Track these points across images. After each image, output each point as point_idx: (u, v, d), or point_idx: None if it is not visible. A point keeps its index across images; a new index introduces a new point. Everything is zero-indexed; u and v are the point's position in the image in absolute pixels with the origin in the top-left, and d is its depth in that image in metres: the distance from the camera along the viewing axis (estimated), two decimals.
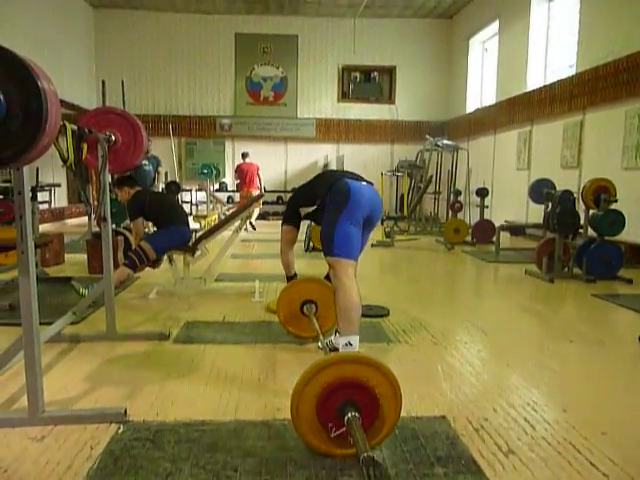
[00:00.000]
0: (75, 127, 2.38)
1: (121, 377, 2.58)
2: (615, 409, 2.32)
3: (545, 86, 8.64)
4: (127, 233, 5.28)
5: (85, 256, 5.38)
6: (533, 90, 8.95)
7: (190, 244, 4.40)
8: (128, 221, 4.75)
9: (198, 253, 4.47)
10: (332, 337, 2.94)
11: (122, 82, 8.21)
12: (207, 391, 2.41)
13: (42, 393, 2.03)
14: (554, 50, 8.87)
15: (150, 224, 4.67)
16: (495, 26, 10.56)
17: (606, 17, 7.05)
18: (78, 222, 10.66)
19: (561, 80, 8.11)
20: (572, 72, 7.86)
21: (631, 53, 6.39)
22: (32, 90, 1.60)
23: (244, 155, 10.26)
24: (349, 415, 1.71)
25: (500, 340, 3.36)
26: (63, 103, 9.72)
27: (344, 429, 1.72)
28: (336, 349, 2.71)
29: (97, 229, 5.69)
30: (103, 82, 7.28)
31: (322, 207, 2.71)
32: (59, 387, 2.40)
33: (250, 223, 9.45)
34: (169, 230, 4.28)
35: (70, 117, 9.52)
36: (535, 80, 9.07)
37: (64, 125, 2.19)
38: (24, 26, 8.95)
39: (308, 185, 3.00)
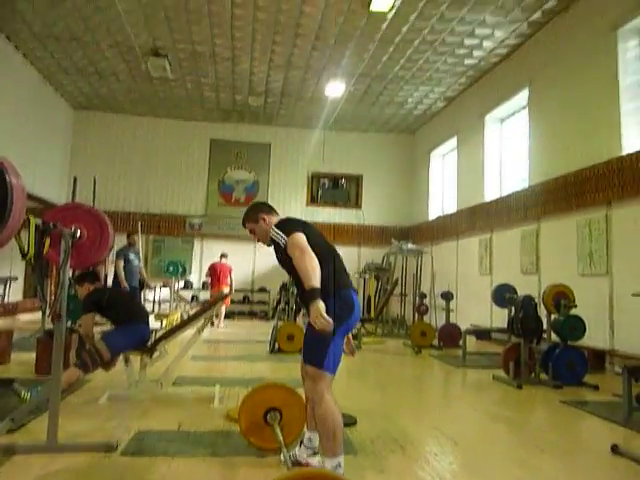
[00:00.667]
0: (40, 222, 2.35)
1: None
2: None
3: (502, 197, 9.22)
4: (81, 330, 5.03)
5: (34, 355, 5.05)
6: (491, 201, 9.51)
7: (149, 344, 4.20)
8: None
9: (156, 354, 4.26)
10: (296, 449, 2.74)
11: (94, 179, 8.34)
12: None
13: None
14: (508, 164, 9.61)
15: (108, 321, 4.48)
16: (454, 142, 11.46)
17: (551, 137, 7.77)
18: (32, 318, 10.15)
19: (516, 192, 8.69)
20: (525, 185, 8.45)
21: (578, 169, 6.96)
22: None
23: (223, 255, 10.32)
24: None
25: (471, 450, 3.21)
26: (33, 197, 9.72)
27: None
28: (299, 463, 2.53)
29: (50, 326, 5.40)
30: (75, 178, 7.39)
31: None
32: None
33: (211, 322, 9.06)
34: (127, 328, 4.09)
35: (37, 211, 9.46)
36: (492, 192, 9.69)
37: (28, 219, 2.16)
38: (4, 119, 9.15)
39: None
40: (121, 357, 4.17)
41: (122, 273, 8.06)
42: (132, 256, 8.35)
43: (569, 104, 7.37)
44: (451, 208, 11.51)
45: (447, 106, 11.61)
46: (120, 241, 8.35)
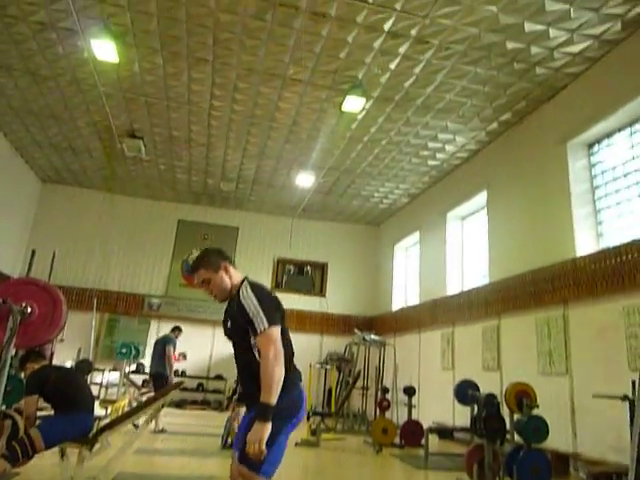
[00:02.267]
0: None
1: None
2: None
3: (463, 292, 9.40)
4: (17, 417, 4.59)
5: None
6: (452, 295, 9.68)
7: (90, 435, 3.85)
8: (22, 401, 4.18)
9: (98, 446, 3.90)
10: None
11: (53, 253, 8.10)
12: None
13: None
14: (470, 260, 9.92)
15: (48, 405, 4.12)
16: (416, 236, 11.84)
17: (509, 237, 8.14)
18: None
19: (477, 288, 8.89)
20: (486, 281, 8.69)
21: (535, 268, 7.23)
22: None
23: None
24: None
25: None
26: None
27: None
28: None
29: None
30: (33, 251, 7.16)
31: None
32: None
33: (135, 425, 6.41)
34: (68, 417, 3.74)
35: None
36: (454, 286, 9.89)
37: None
38: None
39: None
40: (57, 449, 3.79)
41: (172, 361, 7.67)
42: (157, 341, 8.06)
43: (525, 207, 7.83)
44: (414, 300, 11.62)
45: (411, 202, 12.14)
46: (72, 318, 7.95)
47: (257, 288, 2.31)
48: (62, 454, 3.79)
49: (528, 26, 5.98)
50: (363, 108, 7.94)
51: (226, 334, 2.38)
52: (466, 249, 10.09)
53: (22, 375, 4.08)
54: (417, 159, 9.77)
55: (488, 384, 7.15)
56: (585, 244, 6.59)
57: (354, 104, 7.63)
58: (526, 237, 7.68)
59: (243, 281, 2.37)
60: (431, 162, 9.88)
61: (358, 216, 13.67)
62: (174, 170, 11.32)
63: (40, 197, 12.59)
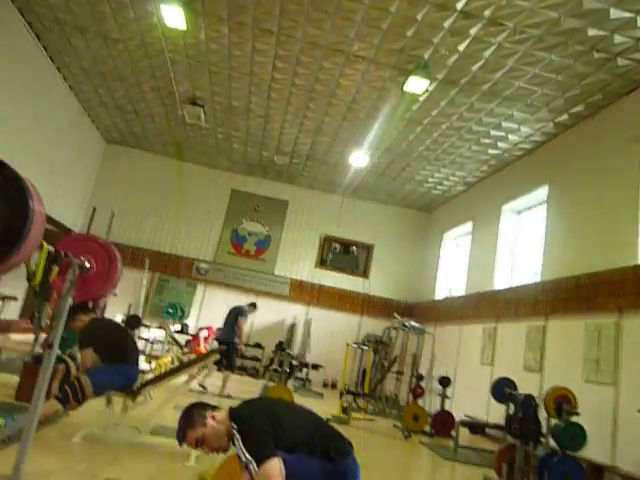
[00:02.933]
0: (52, 249, 2.35)
1: None
2: None
3: (511, 288, 9.13)
4: (71, 362, 4.90)
5: (17, 378, 4.90)
6: (499, 290, 9.43)
7: (134, 387, 4.07)
8: (77, 348, 4.44)
9: (140, 398, 4.12)
10: None
11: (112, 212, 8.45)
12: None
13: None
14: (522, 256, 9.60)
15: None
16: (469, 226, 11.55)
17: (568, 236, 7.79)
18: (23, 338, 9.97)
19: (526, 285, 8.61)
20: (537, 279, 8.39)
21: (592, 272, 6.91)
22: (21, 209, 1.60)
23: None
24: None
25: None
26: (49, 219, 9.85)
27: None
28: None
29: (40, 351, 5.28)
30: (94, 209, 7.49)
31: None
32: None
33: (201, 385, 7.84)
34: (116, 368, 3.97)
35: (51, 235, 9.55)
36: (502, 280, 9.62)
37: (41, 245, 2.15)
38: (33, 145, 9.45)
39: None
40: (104, 397, 4.03)
41: (243, 331, 8.18)
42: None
43: (588, 207, 7.44)
44: (459, 291, 11.40)
45: (466, 191, 11.81)
46: (125, 274, 8.32)
47: (242, 425, 2.19)
48: (108, 402, 4.03)
49: (614, 12, 5.56)
50: (426, 90, 7.72)
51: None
52: (519, 244, 9.75)
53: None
54: (477, 147, 9.45)
55: (527, 385, 6.97)
56: None
57: (417, 85, 7.42)
58: (586, 238, 7.32)
59: (230, 419, 2.27)
60: (491, 151, 9.53)
61: (409, 200, 13.45)
62: (231, 140, 11.48)
63: (103, 157, 13.13)
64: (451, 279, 12.38)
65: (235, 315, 8.05)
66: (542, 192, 8.80)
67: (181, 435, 2.33)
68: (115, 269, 2.94)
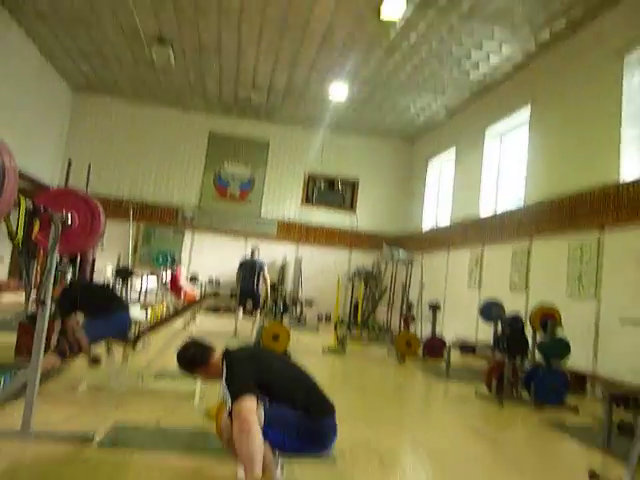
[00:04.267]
0: (30, 204, 2.30)
1: None
2: None
3: (496, 214, 9.24)
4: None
5: (14, 338, 4.96)
6: (485, 217, 9.54)
7: (132, 336, 4.14)
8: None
9: (140, 346, 4.21)
10: None
11: (89, 164, 8.22)
12: None
13: None
14: (505, 182, 9.64)
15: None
16: (452, 152, 11.48)
17: (550, 157, 7.80)
18: (14, 299, 10.00)
19: (510, 210, 8.71)
20: (520, 204, 8.48)
21: (574, 191, 6.99)
22: None
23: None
24: None
25: (449, 466, 3.19)
26: (24, 176, 9.58)
27: None
28: None
29: (34, 310, 5.31)
30: (69, 161, 7.28)
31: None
32: None
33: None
34: (107, 319, 4.01)
35: (29, 192, 9.33)
36: (487, 206, 9.72)
37: (19, 201, 2.10)
38: (1, 96, 9.02)
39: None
40: (104, 346, 4.11)
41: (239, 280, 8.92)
42: (246, 262, 9.09)
43: (570, 126, 7.41)
44: (445, 219, 11.52)
45: (448, 117, 11.62)
46: (110, 226, 8.25)
47: (230, 363, 2.30)
48: (108, 351, 4.11)
49: None
50: (403, 14, 7.39)
51: None
52: (502, 169, 9.77)
53: None
54: (458, 71, 9.20)
55: (514, 304, 7.23)
56: (631, 169, 6.26)
57: (394, 9, 7.09)
58: (568, 157, 7.35)
59: (223, 361, 2.37)
60: (473, 74, 9.29)
61: (392, 131, 13.25)
62: (204, 79, 11.03)
63: (72, 107, 12.58)
64: (437, 208, 12.47)
65: (260, 269, 8.92)
66: (524, 113, 8.71)
67: (180, 370, 2.48)
68: (98, 221, 2.90)
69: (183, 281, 10.25)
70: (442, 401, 5.68)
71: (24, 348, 4.63)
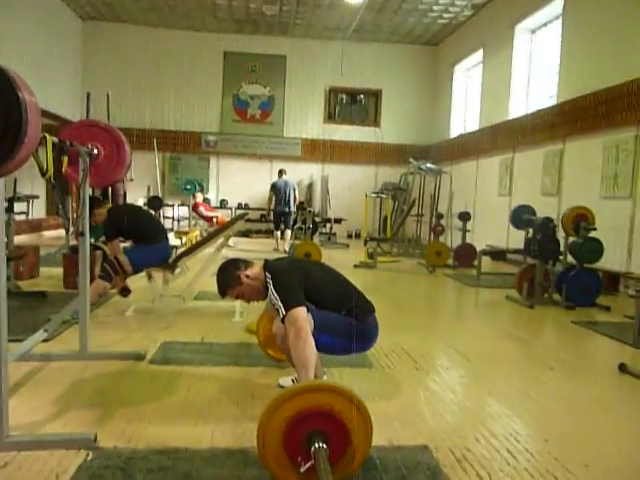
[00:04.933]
0: (56, 140, 2.33)
1: (92, 399, 2.48)
2: (597, 440, 2.30)
3: (527, 115, 8.83)
4: (105, 247, 5.16)
5: (61, 270, 5.25)
6: (515, 118, 9.13)
7: (170, 261, 4.32)
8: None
9: (178, 270, 4.39)
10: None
11: (107, 95, 8.14)
12: (182, 416, 2.32)
13: (7, 417, 1.93)
14: (536, 80, 9.10)
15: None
16: (479, 54, 10.82)
17: (585, 51, 7.26)
18: (56, 234, 10.44)
19: (542, 110, 8.30)
20: (553, 102, 8.05)
21: (609, 86, 6.57)
22: (12, 101, 1.56)
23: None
24: (315, 447, 1.64)
25: (482, 366, 3.34)
26: (47, 114, 9.60)
27: (312, 462, 1.64)
28: None
29: (74, 243, 5.56)
30: (88, 94, 7.21)
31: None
32: (26, 410, 2.29)
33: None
34: (149, 246, 4.18)
35: (53, 128, 9.39)
36: (517, 109, 9.27)
37: (44, 137, 2.13)
38: (10, 36, 8.85)
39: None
40: (145, 273, 4.31)
41: (271, 201, 9.50)
42: (279, 183, 9.44)
43: (606, 16, 6.80)
44: (473, 126, 11.11)
45: (474, 15, 10.81)
46: (137, 158, 8.31)
47: (274, 273, 2.33)
48: (149, 277, 4.32)
49: None
50: None
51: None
52: (533, 67, 9.18)
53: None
54: None
55: (546, 209, 7.10)
56: None
57: None
58: (603, 51, 6.82)
59: (265, 272, 2.38)
60: None
61: (414, 35, 12.47)
62: None
63: (83, 38, 12.24)
64: (465, 115, 11.99)
65: (292, 189, 9.42)
66: (558, 4, 8.01)
67: (221, 293, 2.53)
68: (123, 151, 2.92)
69: (204, 208, 10.45)
70: (473, 307, 5.81)
71: (71, 278, 4.91)
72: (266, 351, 3.02)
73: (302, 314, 2.13)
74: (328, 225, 11.80)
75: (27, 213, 9.87)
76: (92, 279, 3.74)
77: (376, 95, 13.47)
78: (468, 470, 1.95)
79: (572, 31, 7.63)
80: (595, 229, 5.47)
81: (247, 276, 2.43)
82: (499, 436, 2.26)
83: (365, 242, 8.39)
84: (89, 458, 1.90)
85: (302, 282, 2.29)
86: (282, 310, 2.16)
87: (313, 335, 2.13)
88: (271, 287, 2.26)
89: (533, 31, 9.18)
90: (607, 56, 6.76)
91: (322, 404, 1.70)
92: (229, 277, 2.47)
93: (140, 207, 5.89)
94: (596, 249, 5.32)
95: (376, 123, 13.46)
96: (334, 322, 2.33)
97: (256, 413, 2.38)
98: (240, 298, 2.54)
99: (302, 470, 1.67)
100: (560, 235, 5.62)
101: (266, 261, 2.48)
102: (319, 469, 1.57)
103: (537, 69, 9.07)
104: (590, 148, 7.01)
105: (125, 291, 4.58)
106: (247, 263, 2.51)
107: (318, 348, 2.18)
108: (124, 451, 1.96)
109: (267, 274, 2.35)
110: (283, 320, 2.16)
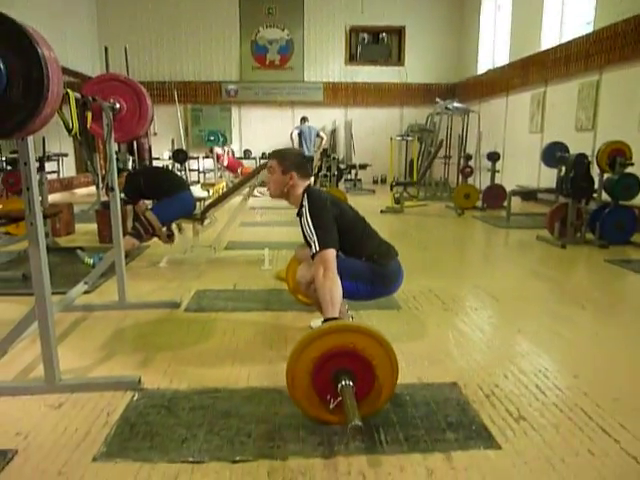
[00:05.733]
0: (79, 95, 2.34)
1: (135, 345, 2.62)
2: (627, 375, 2.31)
3: (560, 45, 8.32)
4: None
5: (95, 225, 5.40)
6: (548, 49, 8.63)
7: (199, 213, 4.39)
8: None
9: (207, 221, 4.47)
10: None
11: (125, 49, 8.03)
12: (219, 359, 2.43)
13: (58, 362, 2.06)
14: (571, 6, 8.51)
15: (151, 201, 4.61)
16: None
17: None
18: (87, 192, 10.67)
19: (577, 38, 7.80)
20: (589, 29, 7.55)
21: None
22: (33, 58, 1.56)
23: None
24: (342, 384, 1.71)
25: (511, 306, 3.35)
26: (66, 71, 9.57)
27: (340, 399, 1.72)
28: None
29: (106, 198, 5.68)
30: (106, 48, 7.15)
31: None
32: (74, 356, 2.44)
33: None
34: (172, 199, 4.24)
35: (74, 85, 9.39)
36: (550, 39, 8.74)
37: (67, 93, 2.14)
38: None
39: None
40: (175, 225, 4.40)
41: (296, 140, 10.22)
42: (305, 129, 10.19)
43: None
44: (503, 60, 10.57)
45: None
46: (158, 111, 8.28)
47: (313, 203, 2.28)
48: (179, 229, 4.42)
49: None
50: None
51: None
52: None
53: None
54: None
55: (579, 146, 6.82)
56: None
57: None
58: None
59: (304, 194, 2.33)
60: None
61: None
62: None
63: None
64: (494, 49, 11.38)
65: (317, 134, 10.21)
66: None
67: (271, 156, 2.46)
68: (145, 104, 2.92)
69: (227, 159, 10.57)
70: (503, 248, 5.76)
71: (105, 233, 5.06)
72: (296, 296, 3.09)
73: (333, 256, 2.15)
74: (353, 171, 11.67)
75: (58, 172, 10.08)
76: (124, 233, 3.84)
77: (399, 32, 12.88)
78: (497, 405, 2.00)
79: None
80: (633, 164, 5.25)
81: (292, 177, 2.35)
82: (528, 373, 2.29)
83: (391, 187, 8.29)
84: (135, 398, 2.03)
85: (336, 222, 2.28)
86: (315, 246, 2.16)
87: None
88: (307, 215, 2.24)
89: None
90: None
91: (345, 343, 1.76)
92: (287, 160, 2.38)
93: (156, 167, 5.93)
94: (633, 185, 5.13)
95: (400, 62, 12.96)
96: (356, 268, 2.35)
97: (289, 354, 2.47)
98: (267, 180, 2.50)
99: (331, 407, 1.76)
100: (595, 172, 5.43)
101: (309, 186, 2.42)
102: (346, 405, 1.64)
103: None
104: (630, 78, 6.62)
105: (169, 237, 4.64)
106: (306, 174, 2.42)
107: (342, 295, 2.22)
108: (167, 391, 2.09)
109: (306, 198, 2.32)
110: (314, 256, 2.17)
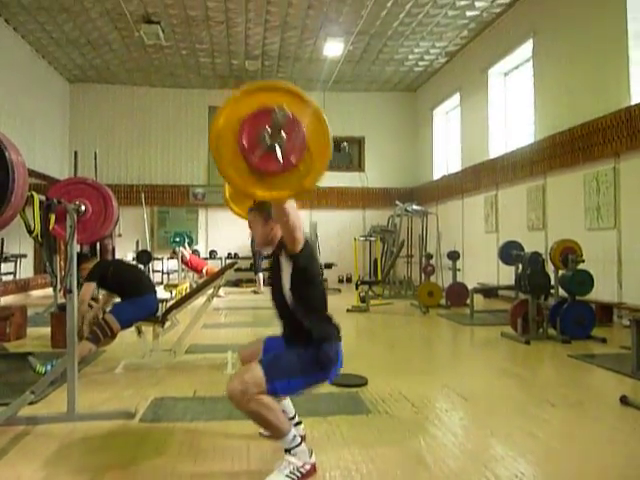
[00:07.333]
0: (43, 198, 2.34)
1: (81, 463, 2.38)
2: (604, 477, 2.23)
3: (507, 153, 9.08)
4: (94, 303, 5.09)
5: (49, 329, 5.14)
6: (496, 157, 9.38)
7: (160, 315, 4.26)
8: (95, 291, 4.59)
9: (168, 324, 4.32)
10: None
11: (95, 153, 8.26)
12: (175, 476, 2.23)
13: None
14: (513, 119, 9.42)
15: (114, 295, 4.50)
16: (456, 98, 11.22)
17: (558, 88, 7.57)
18: (44, 294, 10.29)
19: (521, 147, 8.55)
20: (531, 140, 8.31)
21: (585, 121, 6.81)
22: (0, 162, 1.58)
23: None
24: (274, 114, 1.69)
25: (481, 406, 3.27)
26: (34, 173, 9.69)
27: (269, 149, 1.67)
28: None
29: (63, 301, 5.47)
30: (75, 153, 7.33)
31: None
32: (11, 478, 2.18)
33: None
34: (135, 301, 4.12)
35: (40, 187, 9.44)
36: (497, 148, 9.54)
37: (31, 196, 2.14)
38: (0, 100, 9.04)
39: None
40: (134, 328, 4.23)
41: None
42: None
43: (575, 54, 7.16)
44: (455, 166, 11.37)
45: (449, 62, 11.31)
46: (125, 213, 8.33)
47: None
48: (139, 332, 4.24)
49: None
50: None
51: (271, 275, 2.43)
52: (509, 108, 9.53)
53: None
54: (454, 11, 8.87)
55: (533, 244, 7.19)
56: None
57: None
58: (576, 87, 7.13)
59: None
60: (469, 13, 8.96)
61: (393, 83, 12.96)
62: (196, 54, 10.86)
63: (70, 98, 12.54)
64: (447, 156, 12.29)
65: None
66: (527, 47, 8.42)
67: (250, 209, 2.49)
68: (111, 207, 2.94)
69: (189, 259, 10.49)
70: (469, 346, 5.76)
71: (59, 337, 4.80)
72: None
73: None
74: None
75: (15, 273, 9.76)
76: (79, 338, 3.66)
77: (359, 142, 13.81)
78: None
79: (543, 72, 7.98)
80: (583, 261, 5.52)
81: (272, 229, 2.39)
82: (504, 479, 2.19)
83: (356, 286, 8.37)
84: None
85: (313, 259, 2.33)
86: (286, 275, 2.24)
87: (267, 389, 2.05)
88: (289, 252, 2.23)
89: (506, 74, 9.59)
90: (579, 92, 7.04)
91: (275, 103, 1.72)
92: (268, 213, 2.35)
93: (129, 263, 5.86)
94: (586, 281, 5.35)
95: (361, 168, 13.74)
96: (281, 363, 2.19)
97: (252, 468, 2.30)
98: (251, 235, 2.55)
99: (258, 155, 1.72)
100: (550, 269, 5.67)
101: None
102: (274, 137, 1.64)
103: (514, 109, 9.40)
104: (571, 182, 7.19)
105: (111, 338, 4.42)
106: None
107: (277, 396, 2.14)
108: None
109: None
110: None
